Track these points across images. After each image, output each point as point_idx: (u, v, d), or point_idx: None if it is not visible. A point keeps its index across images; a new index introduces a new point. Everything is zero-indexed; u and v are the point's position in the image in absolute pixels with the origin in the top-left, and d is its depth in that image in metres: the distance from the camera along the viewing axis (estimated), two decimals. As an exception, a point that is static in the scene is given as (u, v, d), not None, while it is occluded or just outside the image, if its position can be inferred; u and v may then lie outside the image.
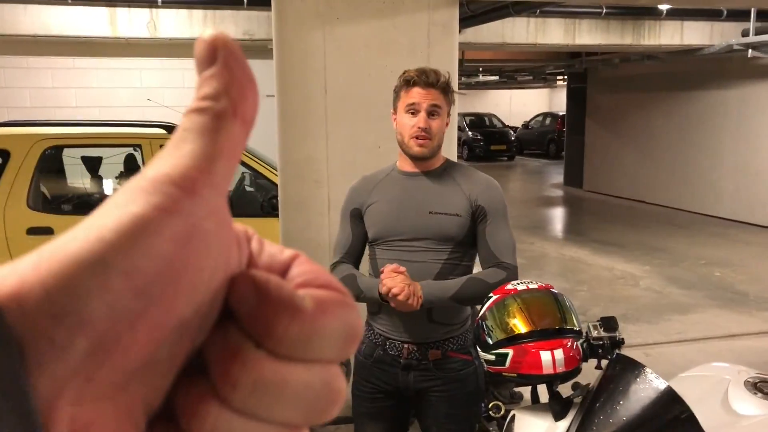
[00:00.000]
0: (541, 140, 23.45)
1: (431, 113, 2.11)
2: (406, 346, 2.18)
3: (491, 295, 2.01)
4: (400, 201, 2.19)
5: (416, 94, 2.10)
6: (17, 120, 5.45)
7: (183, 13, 7.98)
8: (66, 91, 8.66)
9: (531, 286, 1.97)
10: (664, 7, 8.68)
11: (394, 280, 2.02)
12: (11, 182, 4.55)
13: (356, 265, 2.32)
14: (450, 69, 3.88)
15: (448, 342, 2.19)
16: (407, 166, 2.22)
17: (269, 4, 3.96)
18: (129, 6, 7.73)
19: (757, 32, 9.23)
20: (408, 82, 2.12)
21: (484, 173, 2.27)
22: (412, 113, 2.11)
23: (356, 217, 2.28)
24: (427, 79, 2.09)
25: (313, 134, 3.73)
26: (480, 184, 2.19)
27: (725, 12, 9.12)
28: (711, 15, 9.32)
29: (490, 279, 2.11)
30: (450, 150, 3.79)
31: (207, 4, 7.82)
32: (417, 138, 2.11)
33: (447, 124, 2.19)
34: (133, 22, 7.86)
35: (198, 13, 8.03)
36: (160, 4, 7.60)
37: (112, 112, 8.36)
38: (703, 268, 8.04)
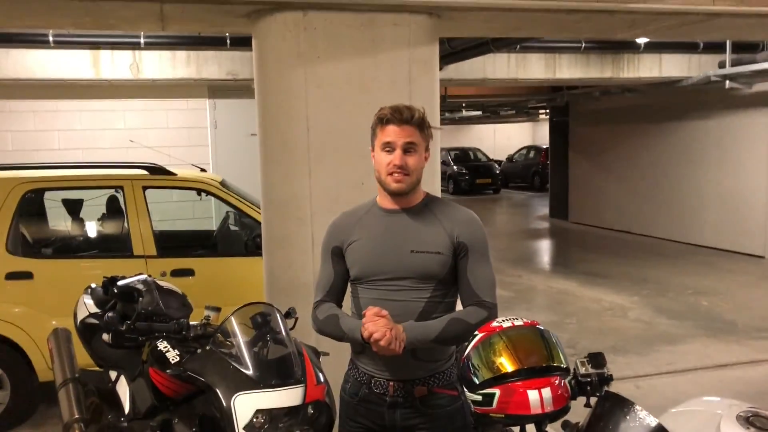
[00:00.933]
0: (525, 173, 23.65)
1: (406, 150, 2.10)
2: (391, 383, 2.16)
3: (476, 333, 1.98)
4: (381, 239, 2.17)
5: (391, 132, 2.10)
6: (-2, 164, 5.39)
7: (166, 54, 8.02)
8: (49, 133, 8.62)
9: (516, 323, 1.94)
10: (642, 40, 8.84)
11: (376, 325, 2.00)
12: (-10, 227, 4.48)
13: (339, 302, 2.30)
14: (431, 105, 3.91)
15: (434, 378, 2.16)
16: (387, 202, 2.21)
17: (252, 45, 3.98)
18: (112, 48, 7.76)
19: (733, 63, 9.42)
20: (382, 120, 2.12)
21: (466, 208, 2.25)
22: (388, 151, 2.11)
23: (337, 255, 2.27)
24: (401, 116, 2.09)
25: (296, 172, 3.72)
26: (461, 220, 2.17)
27: (701, 44, 9.30)
28: (688, 48, 9.51)
29: (472, 319, 2.09)
30: (434, 184, 3.79)
31: (190, 45, 7.85)
32: (393, 174, 2.10)
33: (427, 159, 2.18)
34: (116, 64, 7.88)
35: (181, 54, 8.07)
36: (143, 46, 7.64)
37: (95, 154, 8.31)
38: (691, 298, 8.05)
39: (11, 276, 4.47)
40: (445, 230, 2.13)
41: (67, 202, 5.43)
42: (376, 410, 2.19)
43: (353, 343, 2.18)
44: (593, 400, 1.89)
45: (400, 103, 2.16)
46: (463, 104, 17.70)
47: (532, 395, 1.75)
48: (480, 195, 21.52)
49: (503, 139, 30.39)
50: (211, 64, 8.15)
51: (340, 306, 2.29)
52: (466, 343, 2.01)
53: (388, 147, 2.11)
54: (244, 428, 2.09)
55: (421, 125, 2.12)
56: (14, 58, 7.60)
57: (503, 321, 1.96)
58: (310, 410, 2.21)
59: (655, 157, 12.40)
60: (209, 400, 2.24)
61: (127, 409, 2.78)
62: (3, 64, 7.60)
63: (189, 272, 4.74)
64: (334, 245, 2.26)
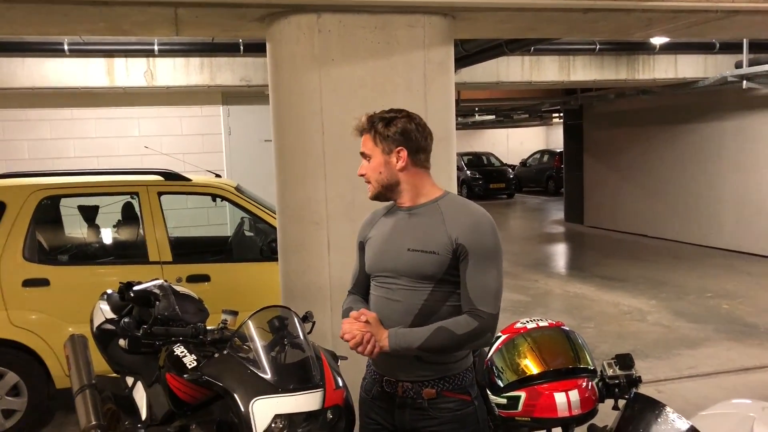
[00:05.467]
0: (539, 177, 23.52)
1: (365, 158, 2.21)
2: (400, 384, 2.16)
3: (500, 334, 1.93)
4: (386, 237, 2.22)
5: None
6: (14, 172, 5.41)
7: (180, 61, 8.04)
8: (65, 141, 8.67)
9: (541, 324, 1.89)
10: (657, 41, 8.75)
11: (351, 327, 2.07)
12: (7, 234, 4.49)
13: (366, 294, 2.34)
14: (447, 106, 3.88)
15: (444, 381, 2.13)
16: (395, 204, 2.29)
17: (265, 51, 3.96)
18: (126, 56, 7.80)
19: (751, 63, 9.30)
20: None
21: (481, 210, 2.18)
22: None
23: (362, 249, 2.34)
24: (356, 129, 2.21)
25: (311, 176, 3.69)
26: (465, 222, 2.11)
27: (718, 44, 9.20)
28: (704, 48, 9.41)
29: (459, 329, 2.04)
30: (450, 188, 3.75)
31: (204, 52, 7.88)
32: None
33: (399, 161, 2.16)
34: (130, 72, 7.92)
35: (195, 61, 8.09)
36: (157, 53, 7.67)
37: (110, 161, 8.36)
38: (710, 301, 7.93)
39: (28, 283, 4.47)
40: (446, 231, 2.09)
41: (82, 209, 5.44)
42: (386, 409, 2.20)
43: None
44: (621, 402, 1.83)
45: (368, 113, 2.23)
46: (476, 108, 17.64)
47: (559, 398, 1.71)
48: (494, 200, 21.42)
49: (516, 144, 30.28)
50: (225, 71, 8.17)
51: (366, 298, 2.32)
52: (487, 348, 1.97)
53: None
54: (262, 433, 2.06)
55: (370, 131, 2.18)
56: (30, 67, 7.65)
57: (527, 322, 1.92)
58: (329, 415, 2.18)
59: (671, 160, 12.28)
60: (227, 405, 2.21)
61: (144, 415, 2.76)
62: (19, 74, 7.65)
63: (205, 278, 4.72)
64: (360, 240, 2.35)
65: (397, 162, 2.16)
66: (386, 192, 2.21)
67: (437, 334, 2.03)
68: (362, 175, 2.22)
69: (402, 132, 2.16)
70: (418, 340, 2.04)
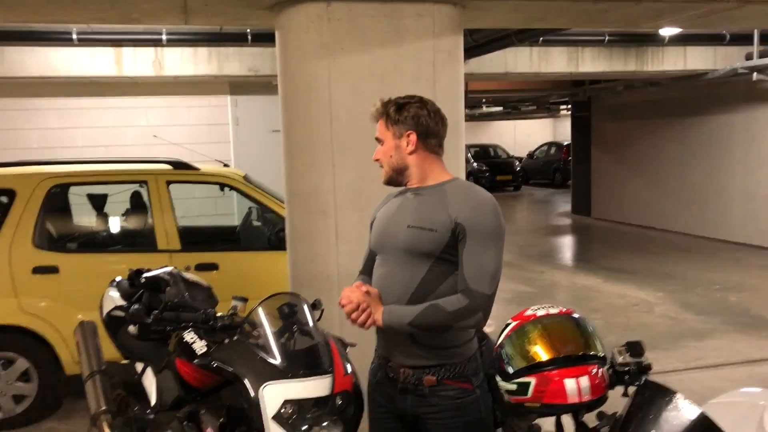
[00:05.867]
0: (546, 170, 23.44)
1: (380, 143, 2.27)
2: (402, 369, 2.18)
3: (509, 321, 1.93)
4: (390, 214, 2.27)
5: None
6: (23, 160, 5.43)
7: (188, 51, 8.04)
8: (73, 131, 8.70)
9: (551, 311, 1.90)
10: (666, 33, 8.70)
11: (350, 293, 2.13)
12: (17, 221, 4.51)
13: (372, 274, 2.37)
14: (456, 96, 3.87)
15: (444, 369, 2.14)
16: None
17: (273, 40, 3.96)
18: (134, 46, 7.80)
19: (761, 55, 9.23)
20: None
21: (486, 194, 2.20)
22: None
23: (371, 229, 2.38)
24: (372, 115, 2.26)
25: (319, 165, 3.69)
26: (468, 202, 2.13)
27: (728, 36, 9.14)
28: (714, 40, 9.34)
29: (450, 307, 2.06)
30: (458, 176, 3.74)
31: (211, 41, 7.88)
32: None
33: (409, 144, 2.20)
34: (138, 62, 7.92)
35: (203, 51, 8.09)
36: (165, 42, 7.67)
37: (118, 150, 8.38)
38: (718, 293, 7.91)
39: (38, 270, 4.50)
40: (447, 210, 2.12)
41: (92, 197, 5.46)
42: (389, 393, 2.23)
43: None
44: (631, 389, 1.84)
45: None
46: (484, 100, 17.59)
47: (569, 384, 1.71)
48: (501, 192, 21.37)
49: (523, 136, 30.16)
50: (233, 61, 8.17)
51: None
52: (499, 333, 1.97)
53: None
54: (272, 418, 2.07)
55: (383, 115, 2.23)
56: (39, 56, 7.67)
57: (537, 309, 1.92)
58: (338, 401, 2.19)
59: (679, 152, 12.22)
60: (237, 390, 2.22)
61: (153, 401, 2.77)
62: (28, 63, 7.67)
63: (213, 266, 4.74)
64: (371, 221, 2.39)
65: (407, 146, 2.19)
66: (397, 176, 2.24)
67: (428, 310, 2.06)
68: (377, 160, 2.26)
69: (413, 116, 2.19)
70: (410, 315, 2.07)
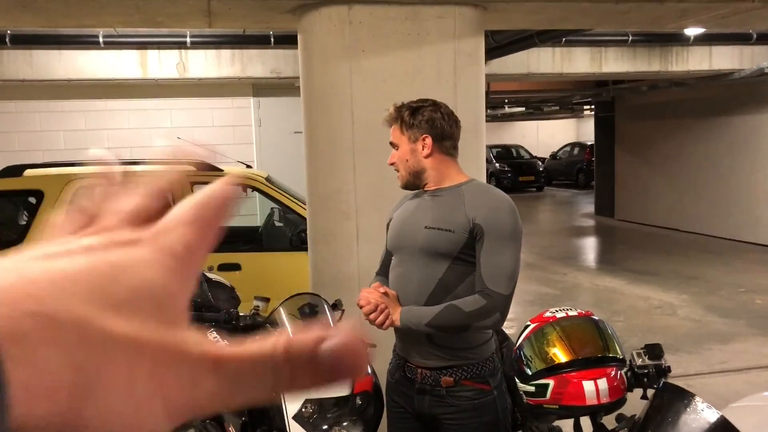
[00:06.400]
0: (569, 170, 23.27)
1: (394, 147, 2.28)
2: (420, 370, 2.20)
3: (528, 323, 1.94)
4: (407, 215, 2.29)
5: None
6: (51, 161, 5.53)
7: (211, 53, 8.12)
8: (98, 132, 8.83)
9: (570, 313, 1.90)
10: (691, 32, 8.60)
11: (368, 294, 2.14)
12: (45, 222, 4.60)
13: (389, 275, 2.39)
14: (477, 97, 3.88)
15: (462, 369, 2.16)
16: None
17: (296, 43, 4.00)
18: (159, 48, 7.90)
19: (788, 55, 9.09)
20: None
21: (503, 195, 2.23)
22: None
23: (388, 230, 2.41)
24: (386, 120, 2.27)
25: (340, 166, 3.72)
26: (485, 203, 2.16)
27: (755, 35, 9.01)
28: (740, 39, 9.21)
29: (467, 307, 2.07)
30: (479, 179, 3.74)
31: (235, 44, 7.94)
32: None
33: (425, 148, 2.21)
34: (163, 64, 8.02)
35: (226, 53, 8.17)
36: (189, 45, 7.75)
37: (142, 152, 8.48)
38: (743, 296, 7.80)
39: (65, 270, 4.57)
40: (465, 211, 2.14)
41: (117, 198, 5.53)
42: (407, 393, 2.24)
43: None
44: (650, 392, 1.83)
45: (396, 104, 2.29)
46: (506, 100, 17.50)
47: (588, 386, 1.72)
48: (523, 192, 21.27)
49: (546, 136, 29.97)
50: (256, 63, 8.23)
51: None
52: (518, 335, 1.98)
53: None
54: (293, 418, 2.10)
55: (397, 120, 2.24)
56: (66, 59, 7.80)
57: (556, 311, 1.92)
58: (358, 401, 2.21)
59: (704, 153, 12.07)
60: (258, 389, 2.25)
61: (177, 399, 2.82)
62: (55, 66, 7.80)
63: (236, 267, 4.79)
64: (387, 222, 2.42)
65: (423, 149, 2.21)
66: (414, 179, 2.26)
67: (446, 311, 2.08)
68: (392, 164, 2.28)
69: (428, 120, 2.21)
70: (428, 316, 2.09)
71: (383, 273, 2.39)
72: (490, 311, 2.05)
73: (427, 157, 2.22)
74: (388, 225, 2.40)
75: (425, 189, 2.28)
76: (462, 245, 2.11)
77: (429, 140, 2.21)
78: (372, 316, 2.11)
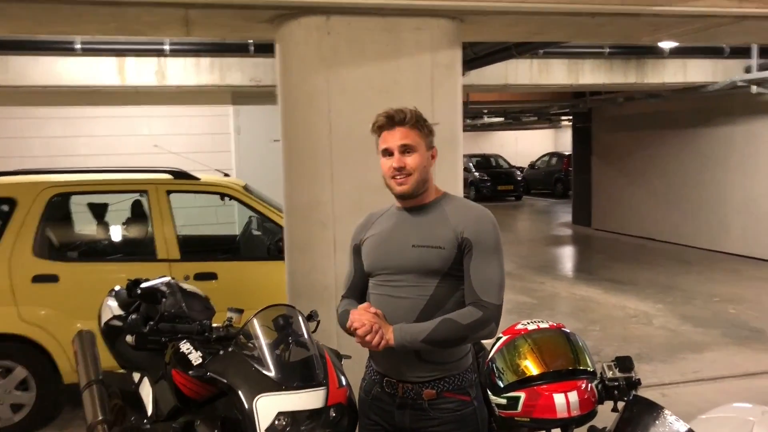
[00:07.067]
0: (547, 180, 23.50)
1: (404, 151, 2.14)
2: (400, 384, 2.16)
3: (500, 335, 1.95)
4: (388, 235, 2.23)
5: (387, 138, 2.16)
6: (24, 168, 5.46)
7: (190, 61, 8.09)
8: (75, 139, 8.74)
9: (542, 325, 1.91)
10: (666, 46, 8.74)
11: (361, 315, 2.07)
12: (17, 230, 4.54)
13: (360, 298, 2.33)
14: (454, 109, 3.90)
15: (444, 381, 2.14)
16: (400, 203, 2.26)
17: (275, 51, 4.00)
18: (137, 56, 7.85)
19: (760, 68, 9.28)
20: (378, 127, 2.18)
21: (481, 206, 2.23)
22: (388, 156, 2.17)
23: (357, 252, 2.33)
24: (393, 120, 2.14)
25: (318, 176, 3.72)
26: (469, 216, 2.16)
27: (728, 49, 9.18)
28: (713, 53, 9.38)
29: (464, 320, 2.06)
30: (456, 190, 3.77)
31: (214, 51, 7.92)
32: (395, 178, 2.15)
33: (434, 157, 2.21)
34: (141, 71, 7.97)
35: (205, 61, 8.14)
36: (167, 52, 7.71)
37: (120, 159, 8.41)
38: (717, 306, 7.91)
39: (37, 279, 4.52)
40: (450, 226, 2.13)
41: (92, 206, 5.48)
42: (386, 409, 2.20)
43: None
44: (621, 404, 1.85)
45: (393, 108, 2.18)
46: (485, 111, 17.63)
47: (558, 399, 1.73)
48: (502, 201, 21.41)
49: (525, 146, 30.23)
50: (235, 71, 8.21)
51: (361, 301, 2.29)
52: (490, 347, 1.99)
53: (387, 152, 2.17)
54: (266, 430, 2.08)
55: (417, 124, 2.15)
56: (42, 65, 7.71)
57: (528, 323, 1.94)
58: (332, 413, 2.20)
59: (679, 164, 12.24)
60: (231, 401, 2.23)
61: (150, 411, 2.79)
62: (32, 72, 7.71)
63: (212, 276, 4.76)
64: (355, 243, 2.36)
65: (432, 159, 2.21)
66: (420, 188, 2.18)
67: (442, 325, 2.05)
68: (401, 168, 2.13)
69: (431, 131, 2.20)
70: (423, 332, 2.05)
71: (352, 296, 2.33)
72: (487, 322, 2.05)
73: (430, 167, 2.21)
74: (356, 248, 2.33)
75: (401, 207, 2.24)
76: (452, 261, 2.10)
77: (436, 151, 2.22)
78: (368, 338, 2.04)
